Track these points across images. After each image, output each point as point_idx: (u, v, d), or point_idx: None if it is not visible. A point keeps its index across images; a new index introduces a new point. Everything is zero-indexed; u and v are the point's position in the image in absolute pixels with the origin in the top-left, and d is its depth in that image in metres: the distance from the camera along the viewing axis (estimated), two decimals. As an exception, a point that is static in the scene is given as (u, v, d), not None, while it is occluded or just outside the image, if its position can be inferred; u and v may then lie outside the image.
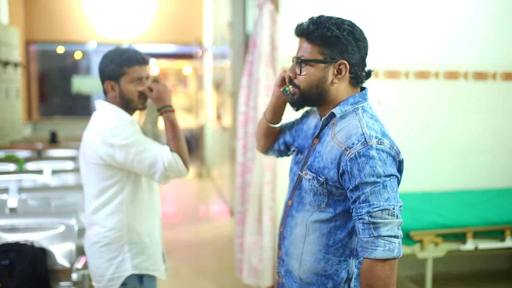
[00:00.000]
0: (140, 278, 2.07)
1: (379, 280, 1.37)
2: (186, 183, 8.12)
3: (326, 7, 3.46)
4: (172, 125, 2.02)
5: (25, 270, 2.36)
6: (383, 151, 1.40)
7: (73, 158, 4.21)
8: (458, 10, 3.75)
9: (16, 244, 2.46)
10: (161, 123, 8.04)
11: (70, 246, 2.55)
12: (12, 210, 3.03)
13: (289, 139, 1.80)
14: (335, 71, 1.50)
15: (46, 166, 3.85)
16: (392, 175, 1.41)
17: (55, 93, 9.09)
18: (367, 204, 1.38)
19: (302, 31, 1.52)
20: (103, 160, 1.96)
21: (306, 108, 1.74)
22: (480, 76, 3.82)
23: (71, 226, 2.58)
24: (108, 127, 1.96)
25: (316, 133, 1.59)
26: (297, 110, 1.64)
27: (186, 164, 2.01)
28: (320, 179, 1.50)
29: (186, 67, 10.75)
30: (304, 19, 1.55)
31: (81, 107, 9.04)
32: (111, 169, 1.99)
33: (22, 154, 4.64)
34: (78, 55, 9.06)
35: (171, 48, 9.52)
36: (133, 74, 2.02)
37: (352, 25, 1.50)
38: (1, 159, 4.31)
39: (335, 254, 1.53)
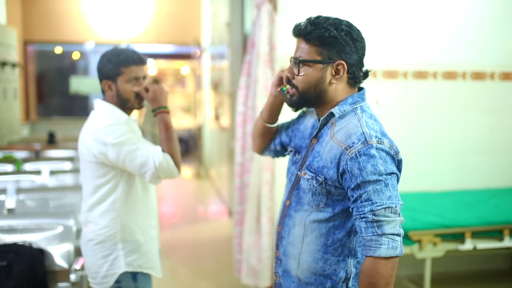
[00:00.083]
0: (134, 275, 2.09)
1: (381, 279, 1.37)
2: (184, 183, 8.12)
3: (324, 7, 3.46)
4: (166, 126, 2.04)
5: (23, 271, 2.36)
6: (383, 150, 1.41)
7: (71, 159, 4.20)
8: (456, 10, 3.75)
9: (14, 245, 2.45)
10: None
11: (68, 247, 2.54)
12: (10, 211, 3.02)
13: (285, 139, 1.81)
14: (333, 71, 1.50)
15: (44, 166, 3.84)
16: (393, 173, 1.42)
17: (53, 94, 9.08)
18: (369, 202, 1.38)
19: (300, 32, 1.52)
20: (97, 158, 1.99)
21: (303, 108, 1.74)
22: (478, 76, 3.82)
23: (69, 227, 2.57)
24: (102, 125, 2.00)
25: (315, 133, 1.60)
26: (295, 110, 1.64)
27: (177, 165, 2.02)
28: (319, 178, 1.50)
29: (184, 67, 10.75)
30: (302, 19, 1.55)
31: (79, 108, 9.03)
32: (105, 167, 2.01)
33: (20, 154, 4.63)
34: (76, 56, 9.05)
35: (169, 48, 9.51)
36: (130, 74, 2.05)
37: (349, 25, 1.51)
38: (-1, 159, 4.30)
39: (333, 253, 1.53)
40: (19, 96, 6.33)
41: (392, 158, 1.43)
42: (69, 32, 8.20)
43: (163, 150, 1.99)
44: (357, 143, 1.42)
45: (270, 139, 1.86)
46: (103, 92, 2.12)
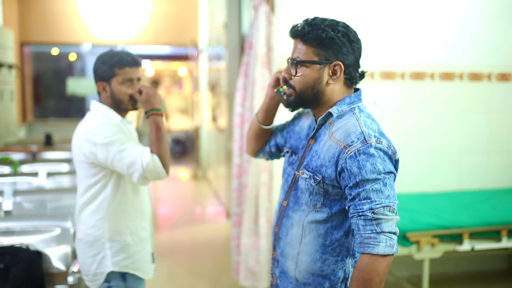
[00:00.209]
0: (123, 275, 2.12)
1: (377, 276, 1.38)
2: (181, 184, 8.11)
3: (321, 8, 3.46)
4: (157, 128, 2.05)
5: (21, 273, 2.34)
6: (381, 149, 1.43)
7: (69, 160, 4.18)
8: (453, 12, 3.76)
9: (11, 248, 2.44)
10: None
11: (66, 249, 2.53)
12: (7, 213, 3.00)
13: (280, 141, 1.82)
14: (330, 72, 1.52)
15: (41, 168, 3.83)
16: (391, 172, 1.43)
17: (50, 95, 9.06)
18: (368, 201, 1.39)
19: (297, 33, 1.54)
20: (87, 158, 2.03)
21: (298, 110, 1.75)
22: (476, 77, 3.83)
23: (67, 229, 2.56)
24: (92, 125, 2.04)
25: (312, 134, 1.60)
26: (292, 110, 1.66)
27: (165, 167, 2.03)
28: (317, 177, 1.51)
29: (181, 68, 10.74)
30: (299, 20, 1.56)
31: (76, 109, 9.01)
32: (95, 167, 2.04)
33: (16, 156, 4.61)
34: (72, 57, 9.03)
35: (166, 50, 9.51)
36: (123, 76, 2.08)
37: (346, 26, 1.53)
38: (-5, 161, 4.28)
39: (332, 254, 1.54)
40: (16, 97, 6.31)
41: (390, 157, 1.45)
42: (65, 34, 8.18)
43: (152, 152, 2.01)
44: (356, 142, 1.43)
45: (265, 141, 1.87)
46: (99, 93, 2.15)
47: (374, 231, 1.39)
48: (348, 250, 1.54)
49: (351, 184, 1.42)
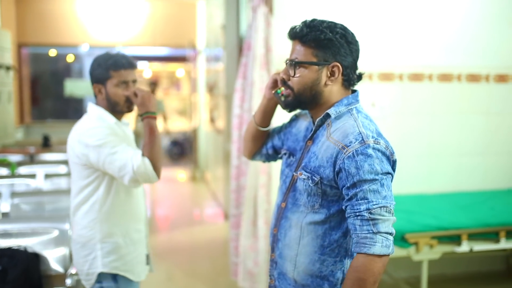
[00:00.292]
0: (114, 277, 2.13)
1: (372, 276, 1.39)
2: (179, 186, 8.10)
3: (320, 10, 3.46)
4: (150, 131, 2.06)
5: (18, 276, 2.34)
6: (379, 150, 1.44)
7: (66, 162, 4.16)
8: (451, 14, 3.76)
9: (9, 250, 2.44)
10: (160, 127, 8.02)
11: (64, 251, 2.53)
12: (5, 215, 3.00)
13: (277, 143, 1.82)
14: (328, 73, 1.53)
15: (39, 170, 3.82)
16: (388, 173, 1.44)
17: (48, 97, 9.04)
18: (365, 201, 1.40)
19: (296, 34, 1.55)
20: (80, 159, 2.05)
21: (295, 112, 1.76)
22: (474, 78, 3.83)
23: (65, 231, 2.56)
24: (86, 127, 2.06)
25: (310, 135, 1.61)
26: (290, 111, 1.66)
27: (156, 171, 2.03)
28: (315, 178, 1.51)
29: (179, 69, 10.74)
30: (298, 21, 1.57)
31: (73, 111, 8.99)
32: (88, 169, 2.07)
33: (14, 158, 4.61)
34: (70, 58, 9.01)
35: (164, 51, 9.50)
36: (119, 78, 2.10)
37: (344, 28, 1.54)
38: (-7, 163, 4.27)
39: (330, 255, 1.54)
40: (14, 99, 6.30)
41: (388, 158, 1.46)
42: (63, 35, 8.17)
43: (143, 155, 2.02)
44: (355, 142, 1.44)
45: (262, 144, 1.87)
46: (95, 95, 2.17)
47: (371, 231, 1.39)
48: (347, 251, 1.54)
49: (348, 185, 1.43)
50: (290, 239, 1.60)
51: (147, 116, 2.08)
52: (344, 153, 1.44)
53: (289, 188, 1.64)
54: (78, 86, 8.76)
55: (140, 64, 10.42)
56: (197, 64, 8.30)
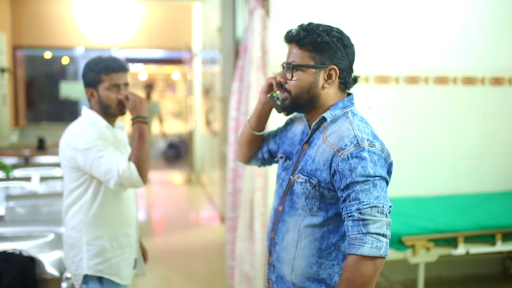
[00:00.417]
0: (100, 279, 2.14)
1: (360, 277, 1.37)
2: (175, 189, 8.09)
3: (316, 13, 3.47)
4: (139, 135, 2.06)
5: (13, 280, 2.32)
6: (374, 153, 1.44)
7: (61, 165, 4.15)
8: (447, 17, 3.78)
9: (4, 253, 2.42)
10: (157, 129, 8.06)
11: (60, 254, 2.51)
12: (0, 218, 2.98)
13: (273, 147, 1.83)
14: (326, 76, 1.55)
15: (34, 173, 3.81)
16: (381, 176, 1.44)
17: (43, 99, 9.00)
18: (357, 201, 1.40)
19: (293, 38, 1.56)
20: (69, 162, 2.07)
21: (290, 116, 1.76)
22: (469, 81, 3.84)
23: (60, 234, 2.54)
24: (75, 131, 2.09)
25: (306, 139, 1.62)
26: (287, 115, 1.67)
27: (142, 176, 2.03)
28: (313, 181, 1.52)
29: (174, 72, 10.73)
30: (294, 24, 1.58)
31: (69, 113, 8.94)
32: (77, 172, 2.08)
33: (9, 161, 4.58)
34: (65, 61, 8.98)
35: (159, 54, 9.49)
36: (110, 81, 2.11)
37: (340, 32, 1.56)
38: (-12, 166, 4.25)
39: (328, 258, 1.54)
40: (8, 101, 6.27)
41: (384, 160, 1.46)
42: (58, 37, 8.15)
43: (130, 159, 2.02)
44: (350, 145, 1.44)
45: (257, 148, 1.87)
46: (88, 99, 2.19)
47: (360, 232, 1.38)
48: (344, 254, 1.54)
49: (342, 187, 1.43)
50: (287, 242, 1.60)
51: (138, 120, 2.08)
52: (339, 156, 1.44)
53: (286, 192, 1.64)
54: (73, 89, 8.74)
55: (136, 67, 10.41)
56: (193, 67, 8.29)
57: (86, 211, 2.10)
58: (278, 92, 1.61)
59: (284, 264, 1.61)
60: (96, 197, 2.10)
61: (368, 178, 1.40)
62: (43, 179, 3.60)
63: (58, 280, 2.44)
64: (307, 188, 1.53)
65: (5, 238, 2.52)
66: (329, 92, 1.56)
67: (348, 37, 1.56)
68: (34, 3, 7.96)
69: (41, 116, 8.86)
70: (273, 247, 1.67)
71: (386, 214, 1.41)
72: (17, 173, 3.92)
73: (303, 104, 1.57)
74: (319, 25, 1.54)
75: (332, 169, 1.46)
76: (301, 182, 1.55)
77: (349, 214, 1.41)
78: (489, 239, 3.21)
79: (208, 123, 7.00)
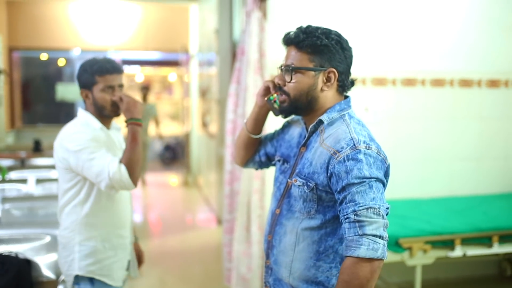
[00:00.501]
0: (91, 280, 2.14)
1: (356, 279, 1.36)
2: (171, 191, 8.07)
3: (314, 15, 3.47)
4: (132, 138, 2.06)
5: (9, 282, 2.31)
6: (370, 155, 1.44)
7: (58, 167, 4.14)
8: (444, 19, 3.78)
9: (0, 256, 2.40)
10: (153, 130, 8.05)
11: (56, 257, 2.50)
12: (-4, 220, 2.96)
13: (270, 150, 1.83)
14: (324, 78, 1.55)
15: (30, 175, 3.79)
16: (378, 178, 1.43)
17: (39, 101, 8.97)
18: (353, 203, 1.40)
19: (292, 40, 1.56)
20: (62, 163, 2.08)
21: (288, 118, 1.76)
22: (466, 83, 3.85)
23: (57, 237, 2.53)
24: (69, 132, 2.10)
25: (303, 142, 1.62)
26: (285, 117, 1.66)
27: (132, 178, 2.02)
28: (310, 184, 1.52)
29: (171, 74, 10.72)
30: (292, 27, 1.59)
31: (65, 115, 8.91)
32: (70, 173, 2.09)
33: (5, 162, 4.56)
34: (62, 62, 8.96)
35: (156, 55, 9.48)
36: (104, 83, 2.12)
37: (338, 35, 1.56)
38: (-17, 168, 4.23)
39: (325, 260, 1.54)
40: (4, 103, 6.25)
41: (380, 162, 1.46)
42: (55, 39, 8.13)
43: (121, 161, 2.01)
44: (346, 148, 1.44)
45: (254, 151, 1.87)
46: (84, 101, 2.19)
47: (357, 234, 1.38)
48: (342, 257, 1.53)
49: (339, 189, 1.43)
50: (285, 245, 1.60)
51: (132, 122, 2.08)
52: (336, 158, 1.45)
53: (284, 195, 1.64)
54: (70, 90, 8.72)
55: (132, 68, 10.39)
56: (190, 69, 8.28)
57: (79, 212, 2.10)
58: (275, 95, 1.61)
59: (282, 267, 1.61)
60: (89, 198, 2.11)
61: (364, 180, 1.40)
62: (39, 181, 3.59)
63: (54, 283, 2.43)
64: (305, 191, 1.53)
65: (1, 240, 2.51)
66: (327, 95, 1.56)
67: (346, 40, 1.57)
68: (30, 4, 7.95)
69: (37, 118, 8.83)
70: (271, 250, 1.66)
71: (383, 216, 1.40)
72: (13, 175, 3.91)
73: (302, 106, 1.57)
74: (318, 28, 1.54)
75: (329, 171, 1.46)
76: (299, 185, 1.55)
77: (345, 216, 1.41)
78: (486, 241, 3.22)
79: (204, 125, 6.99)
